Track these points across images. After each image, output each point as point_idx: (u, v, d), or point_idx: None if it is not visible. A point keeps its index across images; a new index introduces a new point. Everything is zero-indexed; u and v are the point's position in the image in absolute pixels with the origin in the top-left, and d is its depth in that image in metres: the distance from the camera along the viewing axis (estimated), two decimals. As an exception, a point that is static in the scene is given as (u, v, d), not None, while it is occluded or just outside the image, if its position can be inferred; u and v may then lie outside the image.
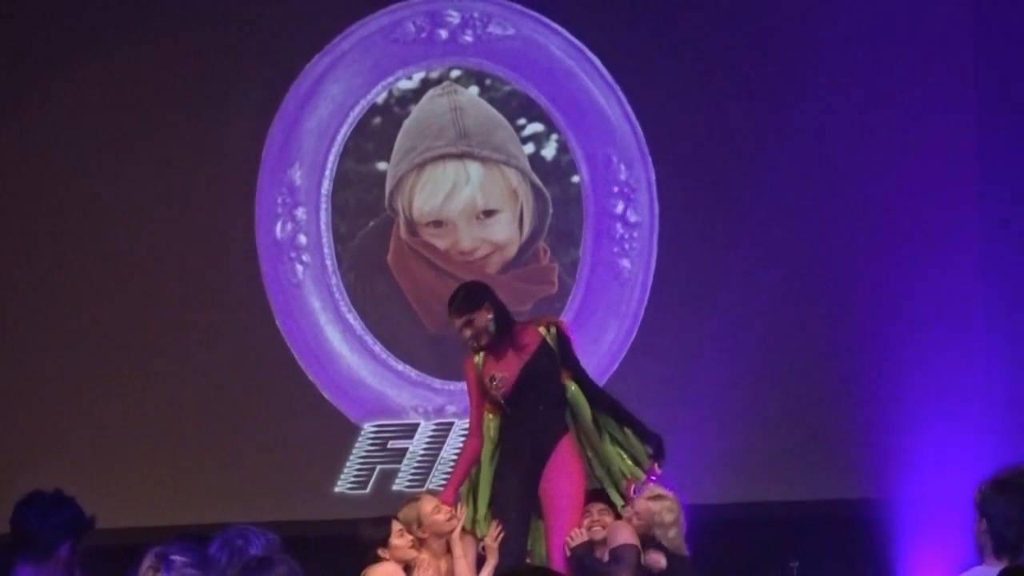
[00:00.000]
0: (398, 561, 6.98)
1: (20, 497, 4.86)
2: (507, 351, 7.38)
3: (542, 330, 7.44)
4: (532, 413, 7.39)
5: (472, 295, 7.44)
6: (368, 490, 9.65)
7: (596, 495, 7.47)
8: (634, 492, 7.41)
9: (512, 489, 7.36)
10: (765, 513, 9.69)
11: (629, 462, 7.47)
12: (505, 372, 7.34)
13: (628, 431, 7.49)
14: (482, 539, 7.26)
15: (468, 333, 7.35)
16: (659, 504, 7.23)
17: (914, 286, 9.98)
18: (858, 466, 9.82)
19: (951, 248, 10.04)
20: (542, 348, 7.41)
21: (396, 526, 7.05)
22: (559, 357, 7.43)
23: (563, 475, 7.38)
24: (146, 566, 4.35)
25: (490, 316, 7.35)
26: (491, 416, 7.44)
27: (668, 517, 7.23)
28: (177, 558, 4.32)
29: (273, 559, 4.14)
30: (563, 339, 7.47)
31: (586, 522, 7.31)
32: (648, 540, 7.21)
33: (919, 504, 9.64)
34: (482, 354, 7.40)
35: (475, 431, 7.49)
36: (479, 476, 7.45)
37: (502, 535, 7.21)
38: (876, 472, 9.78)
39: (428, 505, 7.19)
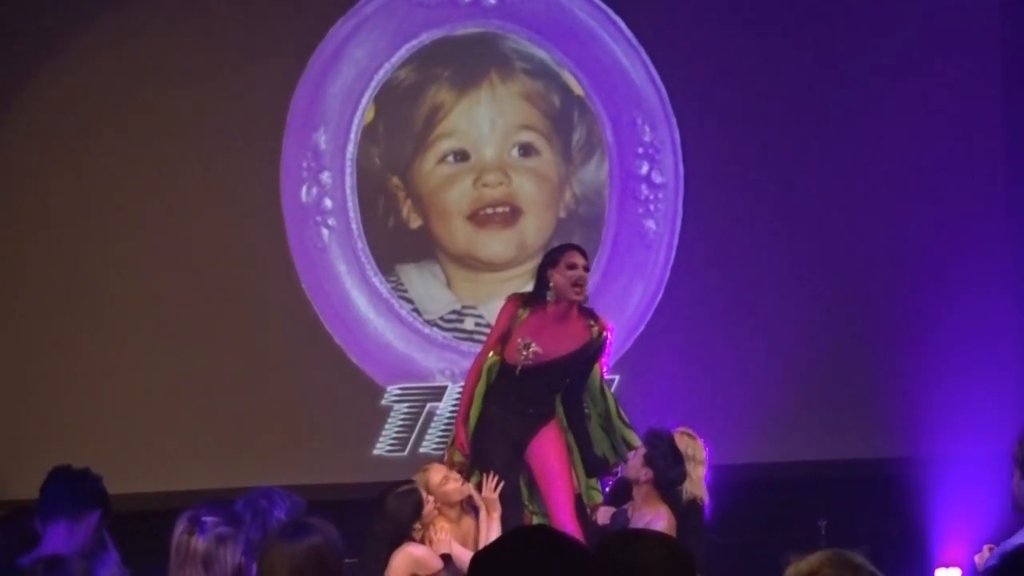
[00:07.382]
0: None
1: (50, 469, 4.98)
2: (556, 325, 7.47)
3: (594, 330, 7.51)
4: (539, 392, 7.49)
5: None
6: (405, 452, 9.69)
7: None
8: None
9: (500, 452, 7.45)
10: (792, 473, 9.70)
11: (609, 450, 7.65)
12: (542, 348, 7.43)
13: (624, 423, 7.63)
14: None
15: (585, 276, 7.47)
16: (693, 440, 7.31)
17: (946, 247, 9.96)
18: (887, 425, 9.83)
19: (983, 214, 10.02)
20: (584, 349, 7.51)
21: (439, 474, 7.07)
22: (590, 360, 7.54)
23: (552, 444, 7.51)
24: (179, 531, 4.40)
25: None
26: (494, 357, 7.53)
27: (699, 454, 7.30)
28: (208, 519, 4.37)
29: (309, 524, 4.15)
30: (603, 347, 7.57)
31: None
32: None
33: (948, 463, 9.64)
34: (528, 310, 7.49)
35: (478, 367, 7.59)
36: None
37: (501, 486, 7.25)
38: (905, 431, 9.78)
39: (436, 476, 7.10)
